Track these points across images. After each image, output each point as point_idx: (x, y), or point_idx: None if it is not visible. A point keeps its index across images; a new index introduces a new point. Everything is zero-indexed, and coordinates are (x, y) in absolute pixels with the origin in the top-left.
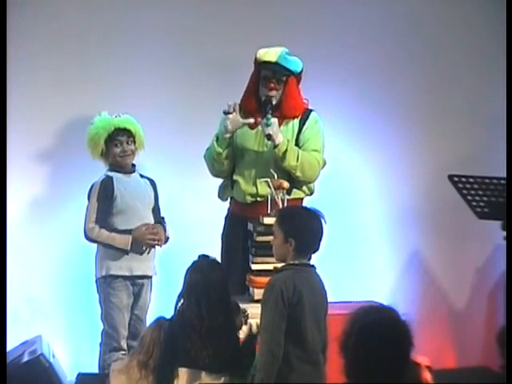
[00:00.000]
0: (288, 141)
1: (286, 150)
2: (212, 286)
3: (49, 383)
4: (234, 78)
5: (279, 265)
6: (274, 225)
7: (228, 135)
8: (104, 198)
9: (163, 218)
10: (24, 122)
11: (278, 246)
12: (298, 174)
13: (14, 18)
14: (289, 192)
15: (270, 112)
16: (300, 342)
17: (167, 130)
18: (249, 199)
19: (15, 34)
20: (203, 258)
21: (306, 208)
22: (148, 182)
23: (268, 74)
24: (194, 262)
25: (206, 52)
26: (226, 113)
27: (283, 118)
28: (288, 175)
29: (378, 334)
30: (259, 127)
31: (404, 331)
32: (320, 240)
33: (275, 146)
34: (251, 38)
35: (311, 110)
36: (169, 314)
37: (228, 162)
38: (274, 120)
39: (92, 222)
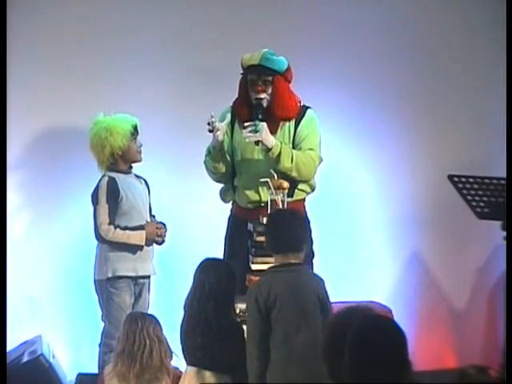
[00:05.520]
0: (281, 143)
1: (280, 152)
2: (215, 288)
3: (49, 383)
4: (232, 79)
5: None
6: None
7: (218, 148)
8: (112, 199)
9: (154, 216)
10: (24, 122)
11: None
12: (294, 174)
13: (14, 18)
14: (291, 194)
15: (260, 116)
16: (286, 342)
17: (165, 131)
18: (251, 206)
19: (15, 34)
20: (211, 259)
21: (283, 210)
22: (143, 182)
23: (253, 77)
24: (201, 264)
25: (203, 54)
26: (211, 130)
27: (278, 121)
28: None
29: (375, 339)
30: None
31: (399, 333)
32: (289, 238)
33: (269, 150)
34: (250, 41)
35: (307, 108)
36: (168, 313)
37: (226, 170)
38: (263, 124)
39: (106, 223)
